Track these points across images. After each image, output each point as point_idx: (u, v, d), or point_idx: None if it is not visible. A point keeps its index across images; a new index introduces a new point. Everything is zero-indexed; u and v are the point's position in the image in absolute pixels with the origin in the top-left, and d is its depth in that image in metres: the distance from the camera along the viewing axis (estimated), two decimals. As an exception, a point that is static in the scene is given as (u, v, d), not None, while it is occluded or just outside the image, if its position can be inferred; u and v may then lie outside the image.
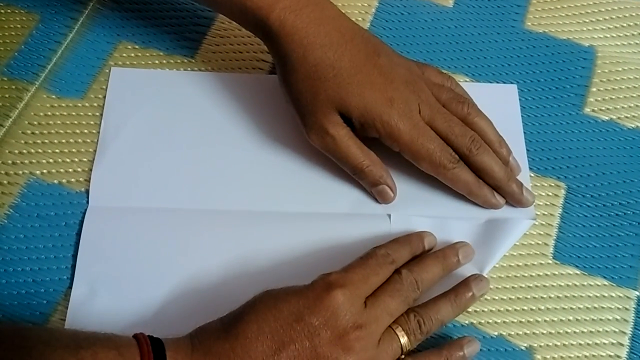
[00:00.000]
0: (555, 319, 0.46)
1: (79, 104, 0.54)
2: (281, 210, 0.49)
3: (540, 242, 0.49)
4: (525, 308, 0.47)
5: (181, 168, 0.51)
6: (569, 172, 0.52)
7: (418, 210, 0.50)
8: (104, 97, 0.54)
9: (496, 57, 0.57)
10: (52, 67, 0.55)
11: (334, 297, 0.40)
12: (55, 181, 0.51)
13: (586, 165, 0.52)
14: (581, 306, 0.47)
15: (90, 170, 0.51)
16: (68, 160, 0.51)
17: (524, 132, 0.53)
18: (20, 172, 0.51)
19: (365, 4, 0.60)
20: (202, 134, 0.53)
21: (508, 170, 0.49)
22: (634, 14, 0.59)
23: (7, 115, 0.53)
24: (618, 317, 0.47)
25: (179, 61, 0.56)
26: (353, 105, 0.46)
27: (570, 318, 0.47)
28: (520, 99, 0.55)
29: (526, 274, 0.48)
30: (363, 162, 0.48)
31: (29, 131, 0.52)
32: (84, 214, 0.49)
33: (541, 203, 0.51)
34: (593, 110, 0.55)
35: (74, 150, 0.52)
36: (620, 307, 0.47)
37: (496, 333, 0.46)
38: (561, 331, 0.46)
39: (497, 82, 0.56)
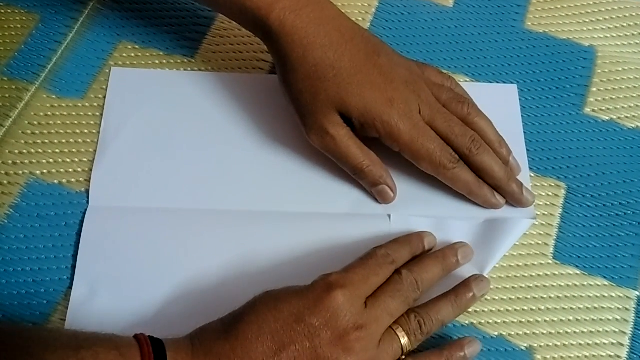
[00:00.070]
0: (556, 319, 0.47)
1: (79, 104, 0.54)
2: (281, 210, 0.49)
3: (540, 242, 0.49)
4: (526, 308, 0.47)
5: (181, 168, 0.51)
6: (569, 172, 0.52)
7: (418, 211, 0.50)
8: (104, 97, 0.54)
9: (496, 57, 0.57)
10: (52, 67, 0.55)
11: (334, 298, 0.40)
12: (55, 181, 0.51)
13: (586, 165, 0.52)
14: (581, 306, 0.47)
15: (90, 170, 0.51)
16: (68, 160, 0.51)
17: (524, 132, 0.53)
18: (21, 172, 0.51)
19: (365, 4, 0.60)
20: (202, 134, 0.53)
21: (508, 170, 0.49)
22: (634, 14, 0.59)
23: (7, 115, 0.53)
24: (618, 317, 0.47)
25: (179, 61, 0.56)
26: (353, 105, 0.46)
27: (571, 318, 0.47)
28: (520, 99, 0.55)
29: (526, 274, 0.48)
30: (363, 162, 0.48)
31: (29, 131, 0.52)
32: (84, 214, 0.49)
33: (541, 203, 0.51)
34: (593, 110, 0.55)
35: (74, 150, 0.52)
36: (620, 307, 0.47)
37: (496, 333, 0.46)
38: (561, 331, 0.46)
39: (497, 82, 0.56)
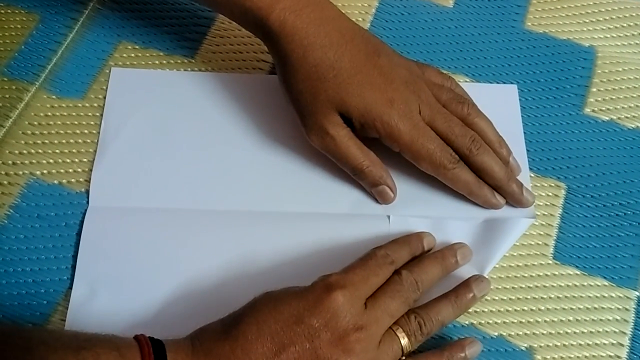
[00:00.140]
0: (555, 319, 0.47)
1: (79, 104, 0.54)
2: (281, 211, 0.49)
3: (540, 242, 0.49)
4: (525, 308, 0.47)
5: (181, 168, 0.51)
6: (569, 172, 0.52)
7: (418, 211, 0.50)
8: (104, 97, 0.54)
9: (496, 57, 0.57)
10: (52, 67, 0.55)
11: (334, 299, 0.40)
12: (55, 181, 0.51)
13: (586, 165, 0.52)
14: (581, 306, 0.47)
15: (90, 170, 0.51)
16: (68, 160, 0.51)
17: (524, 132, 0.53)
18: (21, 172, 0.51)
19: (365, 4, 0.60)
20: (202, 134, 0.53)
21: (508, 171, 0.49)
22: (634, 14, 0.59)
23: (7, 115, 0.53)
24: (618, 318, 0.47)
25: (179, 61, 0.56)
26: (353, 105, 0.46)
27: (570, 318, 0.47)
28: (520, 99, 0.55)
29: (526, 274, 0.48)
30: (363, 163, 0.48)
31: (29, 131, 0.52)
32: (84, 214, 0.49)
33: (541, 203, 0.51)
34: (593, 111, 0.55)
35: (74, 150, 0.52)
36: (620, 307, 0.47)
37: (496, 333, 0.46)
38: (561, 331, 0.46)
39: (497, 82, 0.56)
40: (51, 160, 0.51)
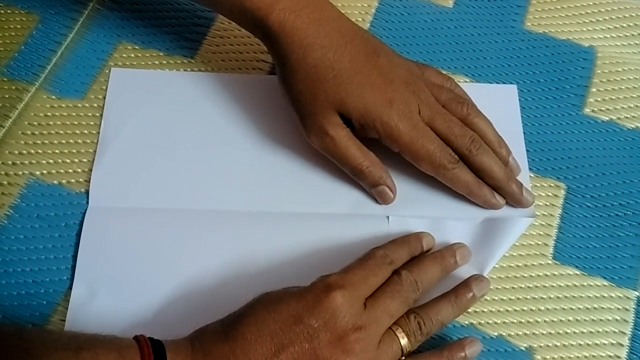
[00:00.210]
0: (555, 319, 0.47)
1: (79, 104, 0.54)
2: (281, 211, 0.50)
3: (540, 242, 0.49)
4: (525, 308, 0.47)
5: (181, 168, 0.51)
6: (569, 172, 0.52)
7: (418, 211, 0.50)
8: (104, 97, 0.54)
9: (496, 57, 0.57)
10: (52, 67, 0.55)
11: (333, 299, 0.40)
12: (55, 181, 0.51)
13: (586, 165, 0.52)
14: (581, 306, 0.47)
15: (90, 170, 0.51)
16: (68, 160, 0.52)
17: (524, 132, 0.53)
18: (20, 172, 0.51)
19: (365, 4, 0.60)
20: (202, 134, 0.53)
21: (508, 171, 0.49)
22: (634, 14, 0.59)
23: (7, 115, 0.53)
24: (618, 318, 0.47)
25: (179, 61, 0.56)
26: (353, 106, 0.46)
27: (570, 318, 0.47)
28: (520, 99, 0.55)
29: (526, 274, 0.48)
30: (362, 163, 0.48)
31: (29, 131, 0.53)
32: (84, 214, 0.49)
33: (541, 203, 0.51)
34: (593, 111, 0.55)
35: (74, 150, 0.52)
36: (620, 307, 0.47)
37: (496, 333, 0.46)
38: (561, 331, 0.46)
39: (497, 82, 0.56)
40: (51, 161, 0.51)
